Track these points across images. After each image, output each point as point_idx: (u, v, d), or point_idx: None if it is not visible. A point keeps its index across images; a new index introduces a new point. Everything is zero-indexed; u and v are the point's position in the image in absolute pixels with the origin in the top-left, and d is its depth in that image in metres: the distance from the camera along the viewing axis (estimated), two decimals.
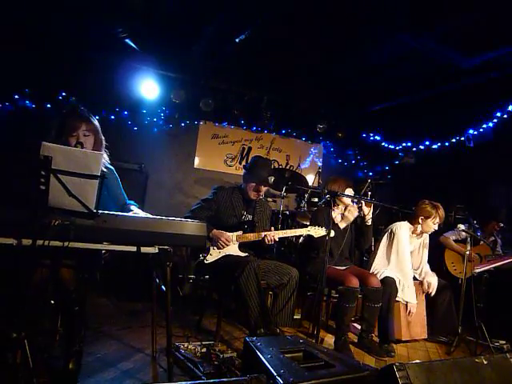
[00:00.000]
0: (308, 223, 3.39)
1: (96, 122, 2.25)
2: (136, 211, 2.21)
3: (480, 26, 3.53)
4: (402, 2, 3.37)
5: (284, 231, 3.13)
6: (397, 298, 3.30)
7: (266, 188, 3.18)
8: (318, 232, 3.07)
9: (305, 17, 3.75)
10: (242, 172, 6.18)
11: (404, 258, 3.40)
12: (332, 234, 2.97)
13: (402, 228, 3.49)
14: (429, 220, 3.42)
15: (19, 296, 1.77)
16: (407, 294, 3.34)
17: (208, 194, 3.19)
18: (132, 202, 2.37)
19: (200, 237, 2.01)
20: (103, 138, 2.30)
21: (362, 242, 3.41)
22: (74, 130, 2.14)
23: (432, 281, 3.47)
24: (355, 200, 3.24)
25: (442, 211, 3.43)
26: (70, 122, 2.15)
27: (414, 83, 4.82)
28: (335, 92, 5.48)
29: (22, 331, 1.65)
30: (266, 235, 2.94)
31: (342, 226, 3.29)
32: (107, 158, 2.34)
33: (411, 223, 3.53)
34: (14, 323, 1.74)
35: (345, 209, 3.33)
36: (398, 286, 3.29)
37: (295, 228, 4.01)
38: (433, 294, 3.46)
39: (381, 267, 3.45)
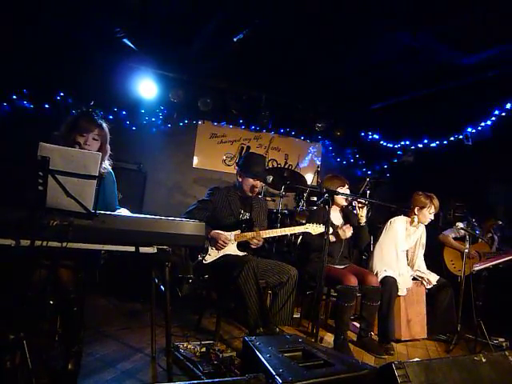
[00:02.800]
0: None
1: (107, 131, 2.27)
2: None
3: (479, 24, 3.53)
4: (402, 0, 3.37)
5: (282, 229, 3.13)
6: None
7: (262, 183, 3.15)
8: (315, 229, 3.05)
9: (304, 15, 3.74)
10: None
11: (398, 244, 3.45)
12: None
13: (398, 221, 3.56)
14: (424, 210, 3.48)
15: (18, 297, 1.77)
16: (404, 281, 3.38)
17: (204, 195, 3.18)
18: (122, 208, 2.35)
19: (199, 236, 2.01)
20: (109, 147, 2.30)
21: (358, 242, 3.40)
22: (86, 132, 2.15)
23: (430, 277, 3.50)
24: (353, 204, 3.20)
25: (436, 201, 3.49)
26: (83, 123, 2.16)
27: (413, 81, 4.82)
28: (334, 91, 5.47)
29: (20, 332, 1.65)
30: (252, 238, 2.94)
31: (332, 239, 3.21)
32: (108, 165, 2.34)
33: (408, 216, 3.58)
34: (12, 324, 1.73)
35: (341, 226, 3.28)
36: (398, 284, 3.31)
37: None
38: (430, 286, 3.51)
39: (380, 264, 3.44)
